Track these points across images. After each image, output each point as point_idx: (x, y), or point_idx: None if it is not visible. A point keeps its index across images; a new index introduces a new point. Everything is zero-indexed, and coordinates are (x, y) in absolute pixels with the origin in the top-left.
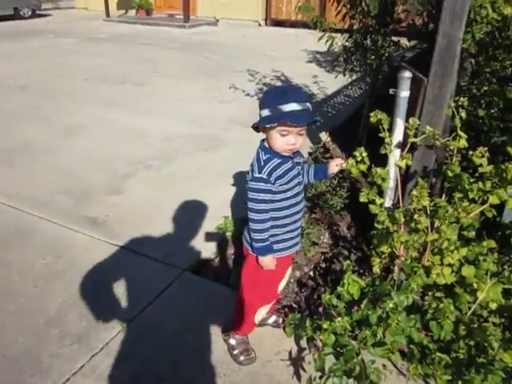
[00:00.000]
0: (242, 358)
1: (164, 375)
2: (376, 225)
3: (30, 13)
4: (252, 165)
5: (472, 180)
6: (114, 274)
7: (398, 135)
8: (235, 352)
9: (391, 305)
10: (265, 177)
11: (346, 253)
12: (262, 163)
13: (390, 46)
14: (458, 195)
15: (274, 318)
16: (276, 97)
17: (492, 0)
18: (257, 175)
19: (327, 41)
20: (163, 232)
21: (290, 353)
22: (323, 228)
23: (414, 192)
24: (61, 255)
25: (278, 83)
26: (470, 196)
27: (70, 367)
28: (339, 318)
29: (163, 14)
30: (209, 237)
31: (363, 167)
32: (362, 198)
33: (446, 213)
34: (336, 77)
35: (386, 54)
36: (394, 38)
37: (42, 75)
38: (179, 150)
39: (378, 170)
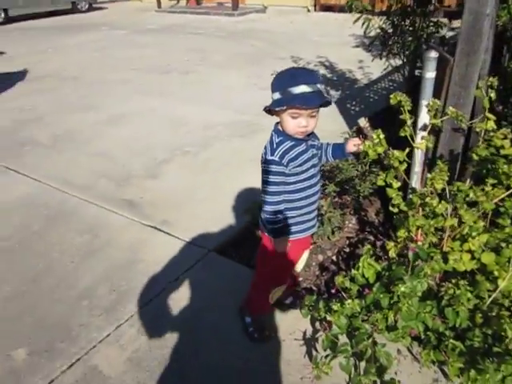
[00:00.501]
0: (256, 335)
1: (182, 351)
2: (391, 208)
3: (87, 6)
4: (265, 147)
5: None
6: (143, 252)
7: (423, 118)
8: (250, 329)
9: (403, 289)
10: (277, 159)
11: (371, 238)
12: (275, 145)
13: (429, 27)
14: (490, 181)
15: (291, 298)
16: (286, 79)
17: None
18: (269, 157)
19: (363, 23)
20: (193, 214)
21: (305, 333)
22: (349, 213)
23: (430, 175)
24: (98, 234)
25: (322, 69)
26: (505, 182)
27: (97, 336)
28: (349, 301)
29: (213, 3)
30: (237, 219)
31: (380, 149)
32: (379, 182)
33: (466, 197)
34: (372, 60)
35: (425, 36)
36: (434, 19)
37: (93, 67)
38: (217, 136)
39: (395, 152)
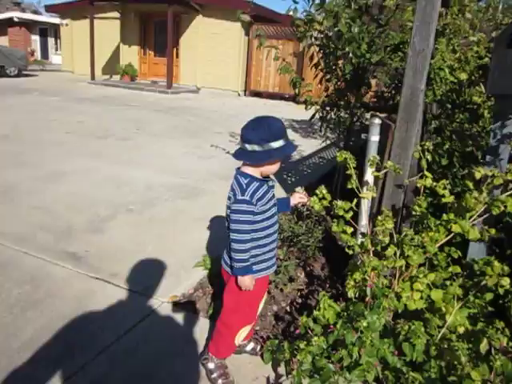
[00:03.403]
0: (220, 381)
1: None
2: (347, 250)
3: (16, 72)
4: (233, 190)
5: (438, 222)
6: (92, 303)
7: (369, 176)
8: (214, 376)
9: (365, 324)
10: (248, 198)
11: (320, 289)
12: (244, 186)
13: (361, 108)
14: (428, 234)
15: (251, 345)
16: (281, 130)
17: (448, 64)
18: (240, 197)
19: (306, 100)
20: (143, 268)
21: (268, 379)
22: (299, 265)
23: (379, 217)
24: (39, 285)
25: None
26: (437, 238)
27: None
28: (315, 338)
29: (147, 81)
30: (188, 273)
31: (325, 202)
32: (334, 228)
33: (412, 240)
34: (314, 133)
35: (358, 113)
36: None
37: (25, 127)
38: (160, 197)
39: (339, 202)
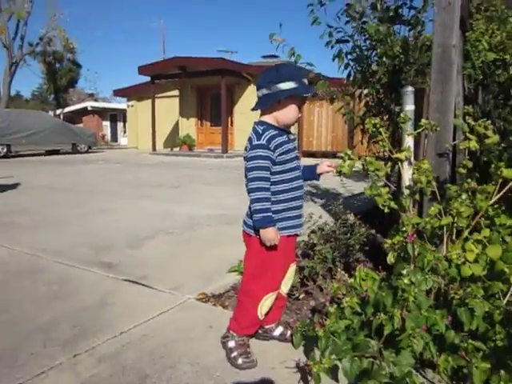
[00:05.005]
0: (240, 360)
1: (150, 375)
2: (381, 207)
3: (86, 148)
4: (249, 139)
5: None
6: (115, 299)
7: (407, 139)
8: (233, 354)
9: (406, 281)
10: (264, 143)
11: None
12: (261, 132)
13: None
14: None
15: (280, 329)
16: (293, 72)
17: (487, 39)
18: (256, 142)
19: (345, 114)
20: (175, 272)
21: (298, 362)
22: (339, 261)
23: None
24: (67, 285)
25: (308, 188)
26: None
27: (48, 363)
28: (347, 298)
29: (204, 149)
30: (220, 276)
31: (352, 162)
32: (367, 191)
33: (457, 193)
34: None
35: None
36: None
37: (85, 183)
38: (201, 223)
39: (368, 158)
